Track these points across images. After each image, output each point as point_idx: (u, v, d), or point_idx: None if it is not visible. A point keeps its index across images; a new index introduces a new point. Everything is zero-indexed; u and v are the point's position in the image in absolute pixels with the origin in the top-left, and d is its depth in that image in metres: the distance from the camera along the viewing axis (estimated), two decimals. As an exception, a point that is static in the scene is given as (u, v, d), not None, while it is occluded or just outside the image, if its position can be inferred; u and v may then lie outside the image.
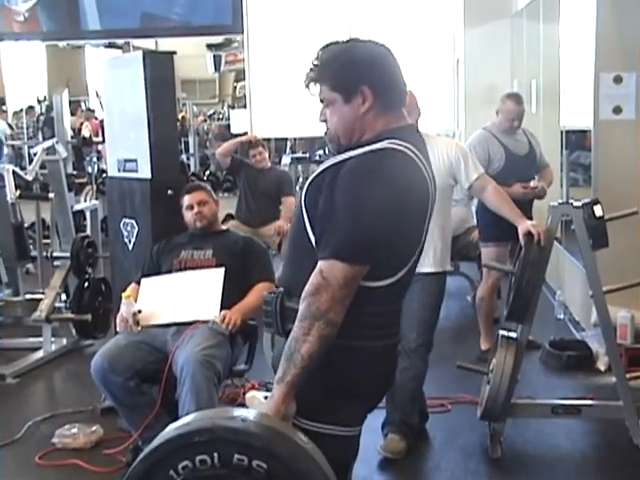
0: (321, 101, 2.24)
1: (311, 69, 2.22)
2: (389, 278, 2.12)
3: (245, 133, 9.12)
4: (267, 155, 7.50)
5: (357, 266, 2.03)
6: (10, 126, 13.97)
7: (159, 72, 4.46)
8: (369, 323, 2.13)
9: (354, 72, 2.17)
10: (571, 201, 4.07)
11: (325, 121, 2.25)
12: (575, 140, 9.16)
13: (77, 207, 6.54)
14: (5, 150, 12.76)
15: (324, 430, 2.12)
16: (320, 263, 2.04)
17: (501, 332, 4.10)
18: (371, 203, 2.04)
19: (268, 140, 7.91)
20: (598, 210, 3.98)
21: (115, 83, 4.71)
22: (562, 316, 6.22)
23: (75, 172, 7.57)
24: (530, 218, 4.29)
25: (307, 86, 2.23)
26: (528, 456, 4.09)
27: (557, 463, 3.98)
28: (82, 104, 15.19)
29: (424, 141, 2.26)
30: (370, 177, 2.05)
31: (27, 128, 13.58)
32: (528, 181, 5.22)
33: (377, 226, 2.04)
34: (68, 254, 5.91)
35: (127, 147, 4.68)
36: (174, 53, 4.59)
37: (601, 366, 5.08)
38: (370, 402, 2.26)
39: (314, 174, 2.18)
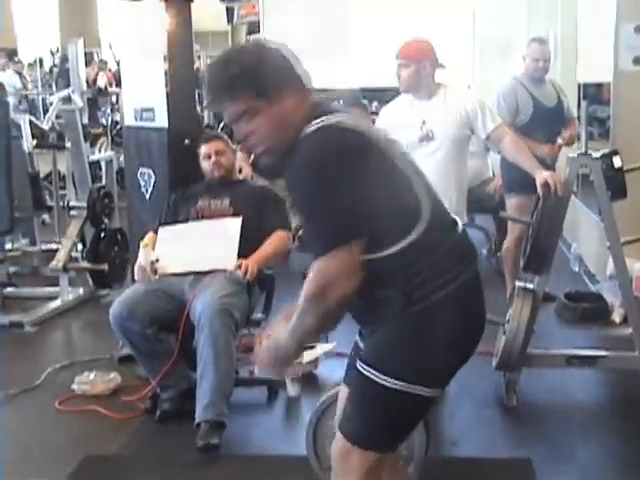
0: (234, 119, 2.15)
1: (222, 86, 2.13)
2: (405, 239, 2.12)
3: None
4: None
5: (351, 248, 2.03)
6: (20, 74, 13.87)
7: (176, 20, 4.43)
8: (418, 282, 2.12)
9: (271, 72, 2.12)
10: (590, 152, 4.04)
11: (246, 139, 2.18)
12: (591, 93, 9.08)
13: (93, 158, 6.54)
14: (16, 101, 12.71)
15: (405, 389, 2.14)
16: (317, 263, 2.05)
17: (518, 283, 4.10)
18: (335, 187, 2.02)
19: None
20: (617, 161, 3.95)
21: (133, 31, 4.69)
22: (577, 268, 6.22)
23: (90, 123, 7.55)
24: (551, 169, 4.27)
25: (216, 105, 2.19)
26: (542, 406, 4.12)
27: (571, 413, 4.00)
28: (95, 56, 15.12)
29: (334, 105, 2.24)
30: (321, 160, 2.04)
31: (41, 80, 13.53)
32: (555, 134, 5.16)
33: (351, 206, 2.03)
34: (84, 204, 5.93)
35: (144, 96, 4.66)
36: (191, 1, 4.54)
37: (616, 318, 5.09)
38: (457, 359, 2.25)
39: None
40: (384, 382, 2.14)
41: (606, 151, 4.04)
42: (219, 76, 2.14)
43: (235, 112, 2.13)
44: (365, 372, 2.18)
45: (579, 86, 7.26)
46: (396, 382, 2.14)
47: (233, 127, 2.18)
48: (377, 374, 2.15)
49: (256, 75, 2.10)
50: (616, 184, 3.95)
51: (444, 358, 2.19)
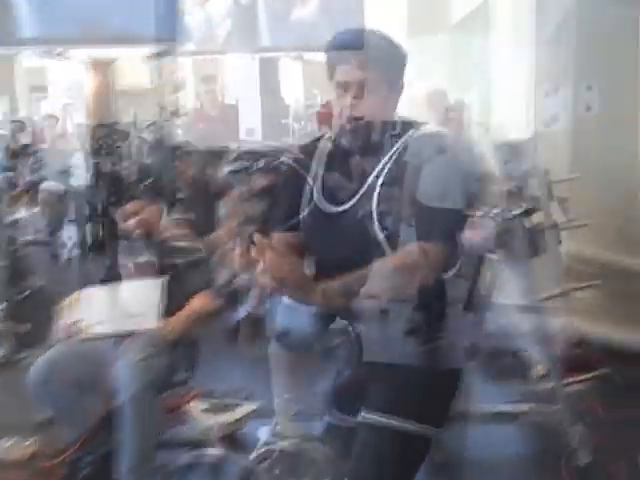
0: (351, 80, 2.20)
1: (372, 46, 2.19)
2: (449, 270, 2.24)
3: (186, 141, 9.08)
4: (191, 165, 7.40)
5: (445, 248, 2.11)
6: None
7: (98, 80, 4.44)
8: (436, 321, 2.23)
9: (403, 69, 2.29)
10: (508, 210, 4.12)
11: (351, 104, 2.21)
12: (507, 152, 9.27)
13: (13, 217, 6.43)
14: None
15: (423, 431, 2.21)
16: (423, 245, 2.08)
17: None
18: (459, 183, 2.15)
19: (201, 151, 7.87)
20: (534, 218, 4.04)
21: (57, 91, 4.68)
22: (499, 324, 6.27)
23: (10, 180, 7.43)
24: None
25: (349, 51, 2.20)
26: (468, 461, 4.13)
27: (496, 468, 4.04)
28: (15, 115, 14.95)
29: None
30: (448, 160, 2.15)
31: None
32: None
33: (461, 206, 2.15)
34: (5, 264, 5.82)
35: (64, 156, 4.64)
36: (114, 61, 4.56)
37: (537, 373, 5.15)
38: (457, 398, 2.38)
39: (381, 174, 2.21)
40: (405, 428, 2.17)
41: (523, 209, 4.12)
42: (372, 38, 2.21)
43: (358, 74, 2.19)
44: (381, 421, 2.19)
45: (495, 145, 7.41)
46: (419, 426, 2.19)
47: (342, 84, 2.22)
48: (398, 420, 2.17)
49: (396, 60, 2.26)
50: (534, 241, 4.04)
51: (450, 398, 2.32)
